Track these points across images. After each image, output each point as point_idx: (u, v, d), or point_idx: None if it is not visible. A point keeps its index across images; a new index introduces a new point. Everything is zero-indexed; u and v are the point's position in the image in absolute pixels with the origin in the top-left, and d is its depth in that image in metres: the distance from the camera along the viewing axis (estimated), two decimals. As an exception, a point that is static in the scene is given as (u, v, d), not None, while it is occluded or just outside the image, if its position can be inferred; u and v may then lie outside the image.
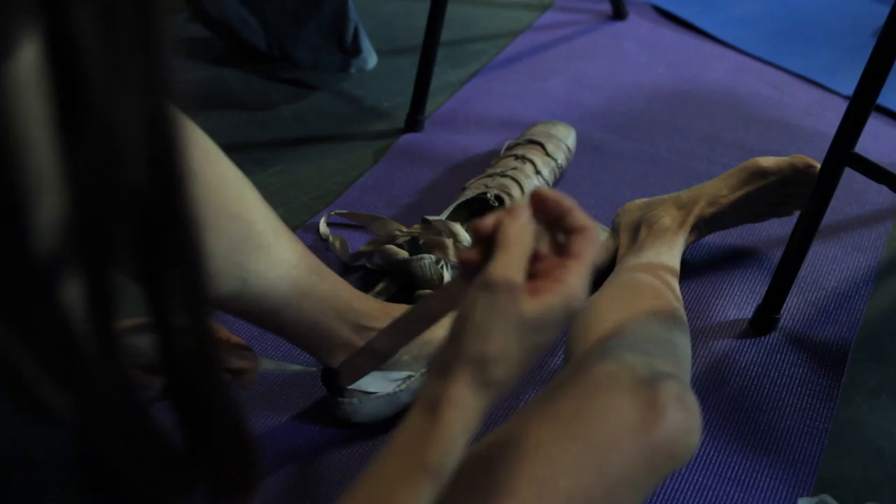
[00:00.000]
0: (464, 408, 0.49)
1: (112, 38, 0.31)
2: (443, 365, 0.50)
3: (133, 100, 0.33)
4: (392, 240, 1.12)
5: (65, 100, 0.31)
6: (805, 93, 1.58)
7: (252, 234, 0.74)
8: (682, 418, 0.62)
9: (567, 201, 0.53)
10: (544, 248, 0.54)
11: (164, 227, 0.36)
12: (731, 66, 1.65)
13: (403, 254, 1.10)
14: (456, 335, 0.51)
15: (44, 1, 0.30)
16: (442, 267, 1.07)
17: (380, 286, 1.10)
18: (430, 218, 1.12)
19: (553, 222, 0.54)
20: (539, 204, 0.53)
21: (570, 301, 0.51)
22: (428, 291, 1.06)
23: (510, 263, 0.50)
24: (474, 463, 0.59)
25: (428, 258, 1.07)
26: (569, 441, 0.59)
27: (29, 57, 0.30)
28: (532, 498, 0.56)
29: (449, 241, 1.08)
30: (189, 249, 0.37)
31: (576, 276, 0.52)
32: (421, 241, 1.10)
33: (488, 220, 0.52)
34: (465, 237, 1.10)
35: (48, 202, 0.31)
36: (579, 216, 0.53)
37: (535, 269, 0.52)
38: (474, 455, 0.60)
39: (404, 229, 1.14)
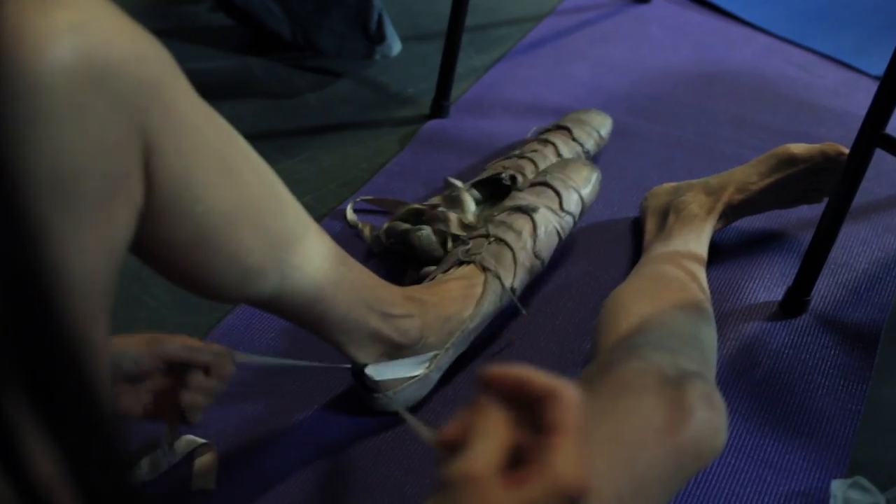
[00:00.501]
0: None
1: None
2: None
3: None
4: (400, 216, 1.13)
5: None
6: (833, 73, 1.57)
7: (287, 229, 0.75)
8: (709, 418, 0.63)
9: (517, 372, 0.45)
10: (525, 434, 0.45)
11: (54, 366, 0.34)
12: (757, 47, 1.64)
13: (406, 226, 1.10)
14: None
15: None
16: (445, 240, 1.07)
17: (408, 276, 1.10)
18: (451, 179, 1.11)
19: (519, 400, 0.45)
20: (492, 384, 0.45)
21: (558, 482, 0.43)
22: (432, 268, 1.05)
23: (475, 457, 0.43)
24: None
25: (427, 229, 1.07)
26: (599, 443, 0.60)
27: None
28: None
29: (453, 215, 1.08)
30: (86, 387, 0.35)
31: (559, 453, 0.44)
32: (424, 216, 1.10)
33: (450, 427, 0.45)
34: (471, 208, 1.10)
35: None
36: (538, 382, 0.45)
37: (523, 458, 0.45)
38: None
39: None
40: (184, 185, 0.62)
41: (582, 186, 1.10)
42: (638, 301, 0.84)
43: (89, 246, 0.56)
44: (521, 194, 1.08)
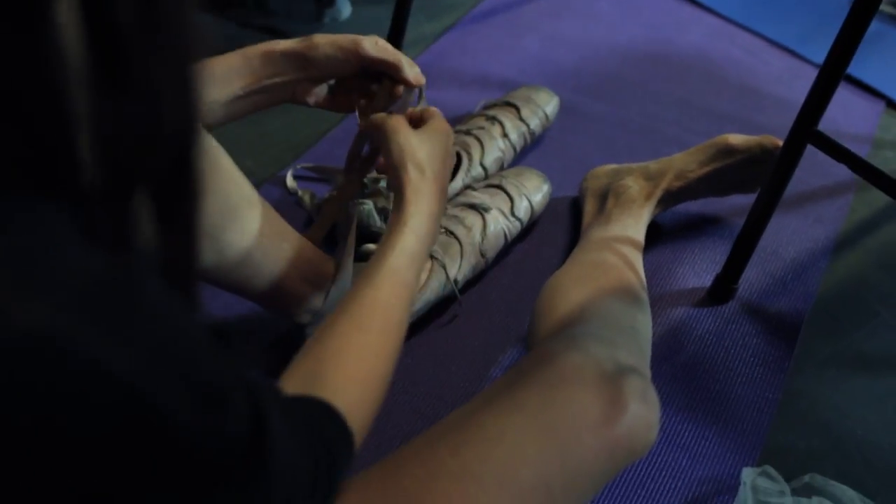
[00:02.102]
0: (414, 185, 0.74)
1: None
2: (391, 184, 0.76)
3: (167, 59, 0.35)
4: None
5: (100, 56, 0.33)
6: (778, 60, 1.59)
7: (228, 206, 0.75)
8: (643, 414, 0.65)
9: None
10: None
11: (180, 174, 0.39)
12: (705, 29, 1.65)
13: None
14: (388, 164, 0.76)
15: None
16: (385, 216, 1.08)
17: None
18: None
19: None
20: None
21: (448, 128, 0.82)
22: (373, 246, 1.06)
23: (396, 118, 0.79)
24: (441, 443, 0.60)
25: (369, 204, 1.08)
26: (534, 432, 0.61)
27: (67, 9, 0.32)
28: (495, 485, 0.58)
29: None
30: (196, 193, 0.40)
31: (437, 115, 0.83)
32: (366, 190, 1.11)
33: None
34: None
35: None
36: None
37: None
38: (441, 434, 0.62)
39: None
40: None
41: (533, 194, 1.13)
42: (576, 288, 0.86)
43: None
44: (476, 193, 1.10)
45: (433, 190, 0.76)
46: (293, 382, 0.56)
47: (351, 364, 0.59)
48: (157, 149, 0.36)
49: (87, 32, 0.32)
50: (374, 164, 0.90)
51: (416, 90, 0.90)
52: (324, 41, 0.84)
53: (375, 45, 0.84)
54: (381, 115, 0.80)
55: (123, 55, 0.33)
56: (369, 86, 0.89)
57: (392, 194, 1.08)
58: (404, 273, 0.68)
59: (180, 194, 0.39)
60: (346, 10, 1.50)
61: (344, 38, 0.85)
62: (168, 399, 0.35)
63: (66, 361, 0.31)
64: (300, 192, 1.17)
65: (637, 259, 1.00)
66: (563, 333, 0.74)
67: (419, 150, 0.77)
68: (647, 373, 0.76)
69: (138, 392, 0.34)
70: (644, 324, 0.85)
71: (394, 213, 0.74)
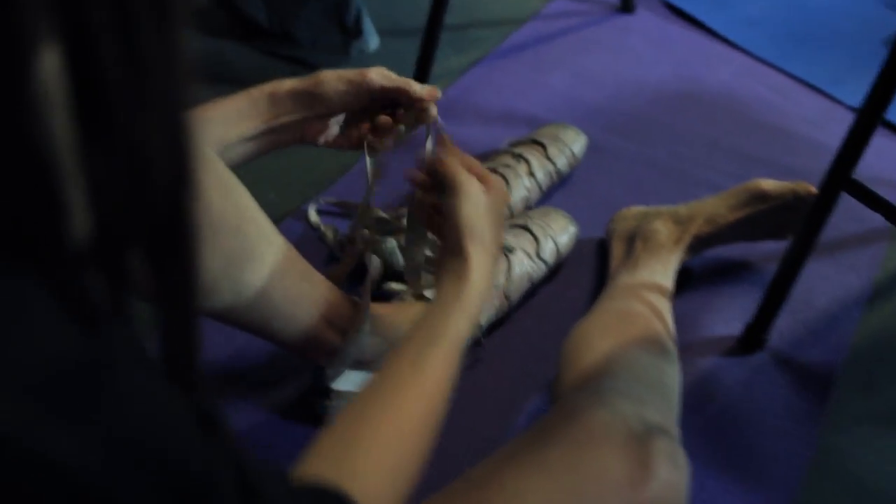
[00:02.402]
0: (479, 265, 0.70)
1: (132, 47, 0.31)
2: (453, 249, 0.71)
3: (155, 111, 0.33)
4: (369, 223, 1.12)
5: (85, 109, 0.31)
6: (809, 100, 1.57)
7: (247, 247, 0.73)
8: (672, 479, 0.62)
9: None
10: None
11: (173, 229, 0.37)
12: (736, 68, 1.63)
13: (371, 235, 1.09)
14: (455, 226, 0.71)
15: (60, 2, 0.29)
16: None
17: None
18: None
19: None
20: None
21: (506, 198, 0.79)
22: (396, 286, 1.05)
23: (469, 175, 0.75)
24: (462, 502, 0.58)
25: (392, 242, 1.06)
26: (558, 493, 0.59)
27: (50, 63, 0.30)
28: None
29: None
30: (189, 248, 0.38)
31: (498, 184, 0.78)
32: (389, 227, 1.09)
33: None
34: None
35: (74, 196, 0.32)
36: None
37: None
38: (462, 492, 0.60)
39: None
40: None
41: (559, 235, 1.11)
42: (603, 338, 0.84)
43: None
44: None
45: (490, 266, 0.72)
46: (316, 464, 0.53)
47: (382, 452, 0.55)
48: (148, 203, 0.35)
49: (71, 85, 0.30)
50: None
51: (434, 122, 0.88)
52: (330, 76, 0.83)
53: (381, 74, 0.83)
54: (453, 163, 0.76)
55: (109, 107, 0.32)
56: (379, 118, 0.87)
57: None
58: (452, 360, 0.64)
59: (175, 250, 0.37)
60: (373, 42, 1.49)
61: (350, 72, 0.84)
62: (129, 494, 0.33)
63: (12, 452, 0.30)
64: (323, 228, 1.15)
65: (665, 307, 0.97)
66: (590, 388, 0.72)
67: (486, 218, 0.73)
68: (676, 432, 0.74)
69: (94, 487, 0.31)
70: (672, 377, 0.83)
71: (449, 283, 0.69)
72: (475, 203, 0.72)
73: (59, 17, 0.29)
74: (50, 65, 0.30)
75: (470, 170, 0.76)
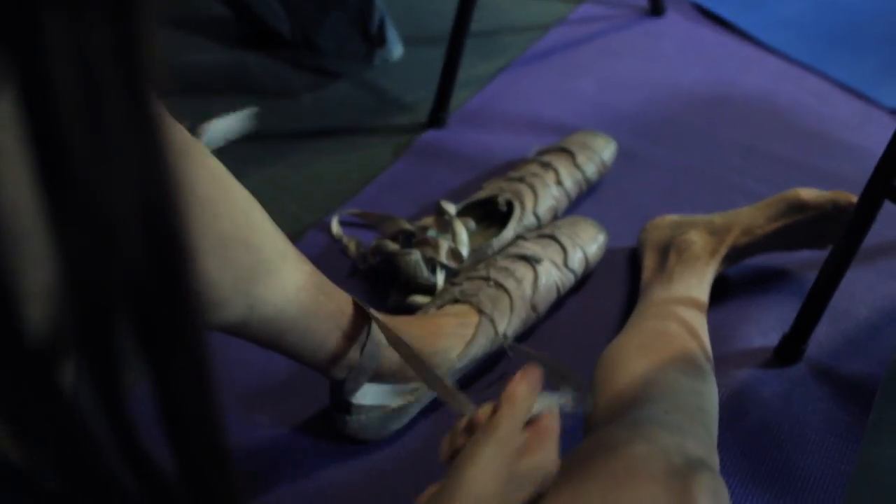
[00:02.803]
0: None
1: (94, 94, 0.27)
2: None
3: (124, 168, 0.28)
4: (391, 235, 1.10)
5: (44, 167, 0.27)
6: (847, 104, 1.52)
7: (260, 260, 0.71)
8: None
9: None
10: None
11: (165, 305, 0.32)
12: (771, 71, 1.59)
13: (395, 247, 1.07)
14: (458, 475, 0.57)
15: (13, 43, 0.25)
16: (433, 267, 1.04)
17: (391, 298, 1.06)
18: (445, 204, 1.08)
19: None
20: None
21: (548, 466, 0.59)
22: (421, 298, 1.02)
23: (515, 420, 0.59)
24: None
25: (416, 254, 1.03)
26: None
27: (5, 114, 0.27)
28: None
29: (444, 243, 1.05)
30: (191, 327, 0.33)
31: (551, 444, 0.61)
32: (414, 239, 1.07)
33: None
34: (463, 239, 1.06)
35: (39, 276, 0.28)
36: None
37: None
38: None
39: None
40: None
41: (587, 245, 1.08)
42: (638, 360, 0.81)
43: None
44: (527, 244, 1.05)
45: None
46: None
47: None
48: (125, 275, 0.30)
49: (27, 136, 0.26)
50: None
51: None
52: None
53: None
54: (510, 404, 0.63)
55: (71, 169, 0.27)
56: None
57: (442, 244, 1.04)
58: None
59: (172, 327, 0.32)
60: (397, 50, 1.47)
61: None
62: None
63: None
64: (345, 240, 1.13)
65: (701, 324, 0.94)
66: (628, 418, 0.69)
67: (497, 486, 0.57)
68: (716, 462, 0.71)
69: None
70: (710, 401, 0.80)
71: None
72: (502, 460, 0.58)
73: (13, 66, 0.26)
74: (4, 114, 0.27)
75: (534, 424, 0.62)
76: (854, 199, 1.03)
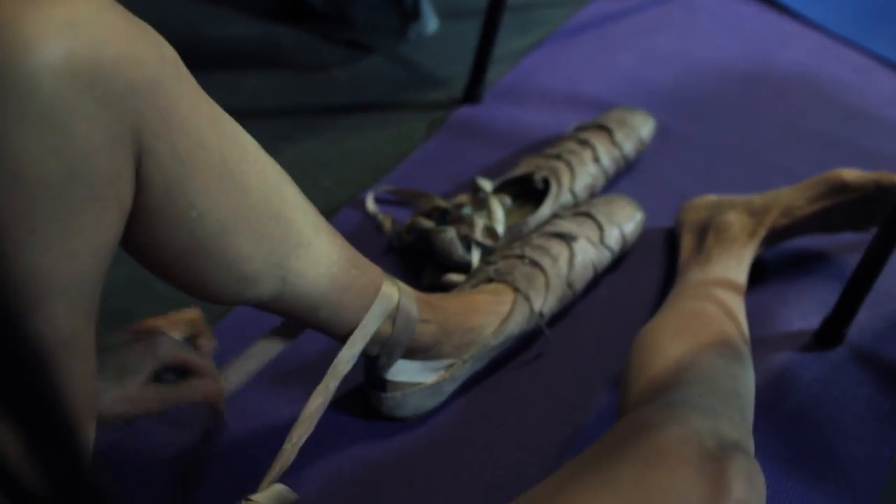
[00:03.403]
0: None
1: None
2: None
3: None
4: (426, 212, 1.09)
5: None
6: (889, 80, 1.49)
7: (292, 233, 0.71)
8: (748, 500, 0.58)
9: None
10: None
11: None
12: (810, 46, 1.56)
13: (429, 224, 1.06)
14: None
15: None
16: (468, 245, 1.03)
17: (426, 275, 1.05)
18: (480, 181, 1.07)
19: None
20: None
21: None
22: (455, 276, 1.01)
23: None
24: None
25: (451, 231, 1.02)
26: None
27: None
28: None
29: (479, 221, 1.04)
30: None
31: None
32: (449, 216, 1.06)
33: None
34: (499, 216, 1.05)
35: None
36: None
37: None
38: None
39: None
40: (178, 188, 0.60)
41: (625, 223, 1.07)
42: (674, 342, 0.79)
43: (75, 250, 0.54)
44: (563, 222, 1.04)
45: None
46: None
47: None
48: None
49: None
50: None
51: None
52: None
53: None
54: None
55: None
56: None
57: (477, 221, 1.03)
58: None
59: None
60: (432, 24, 1.45)
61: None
62: None
63: None
64: (380, 217, 1.13)
65: (739, 306, 0.92)
66: (661, 400, 0.68)
67: None
68: (751, 446, 0.69)
69: None
70: (747, 385, 0.78)
71: None
72: None
73: None
74: None
75: None
76: (898, 179, 1.01)
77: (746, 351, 0.84)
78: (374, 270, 0.81)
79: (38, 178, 0.51)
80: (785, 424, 0.94)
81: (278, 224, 0.69)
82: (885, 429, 0.94)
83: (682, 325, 0.83)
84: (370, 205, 1.14)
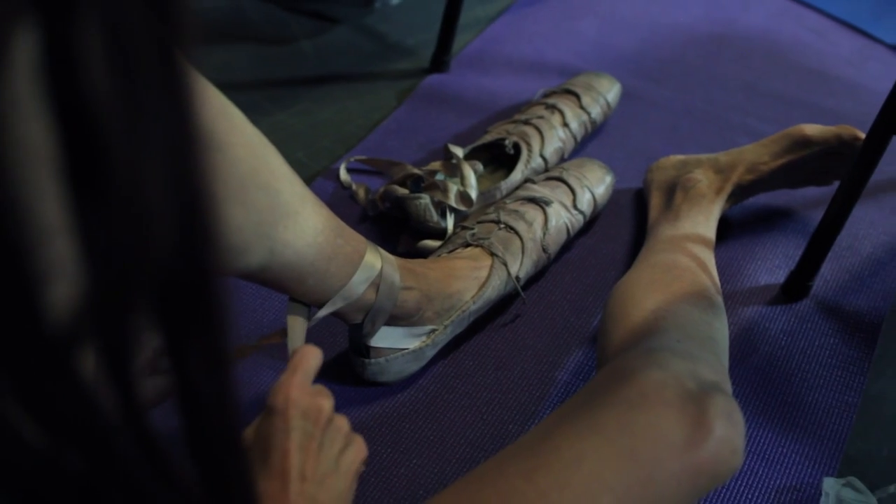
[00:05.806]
0: None
1: (127, 74, 0.26)
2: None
3: (157, 153, 0.27)
4: (399, 180, 1.10)
5: (72, 153, 0.26)
6: (848, 40, 1.52)
7: (279, 203, 0.72)
8: (729, 437, 0.60)
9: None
10: None
11: (192, 293, 0.31)
12: (771, 8, 1.59)
13: (404, 191, 1.07)
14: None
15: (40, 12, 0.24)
16: (443, 211, 1.05)
17: (401, 243, 1.07)
18: (452, 147, 1.08)
19: None
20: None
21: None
22: (431, 242, 1.03)
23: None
24: (514, 468, 0.57)
25: (425, 198, 1.04)
26: (613, 457, 0.57)
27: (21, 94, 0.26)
28: None
29: (452, 184, 1.05)
30: (216, 314, 0.32)
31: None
32: (423, 183, 1.07)
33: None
34: (472, 181, 1.07)
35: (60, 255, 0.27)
36: None
37: None
38: (513, 457, 0.58)
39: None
40: None
41: (595, 186, 1.09)
42: (649, 294, 0.82)
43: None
44: (536, 187, 1.06)
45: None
46: None
47: None
48: (155, 263, 0.29)
49: (55, 122, 0.25)
50: None
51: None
52: None
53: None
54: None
55: (99, 149, 0.26)
56: None
57: (451, 187, 1.05)
58: None
59: (197, 320, 0.32)
60: (397, -7, 1.46)
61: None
62: None
63: None
64: (354, 186, 1.14)
65: (710, 259, 0.95)
66: (640, 347, 0.70)
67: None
68: (729, 388, 0.72)
69: None
70: (721, 331, 0.81)
71: None
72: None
73: (41, 32, 0.24)
74: (27, 100, 0.25)
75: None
76: (858, 132, 1.03)
77: (719, 300, 0.86)
78: (357, 239, 0.83)
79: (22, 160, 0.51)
80: (754, 375, 0.97)
81: (266, 195, 0.70)
82: (849, 376, 0.98)
83: (656, 278, 0.86)
84: (343, 175, 1.15)
